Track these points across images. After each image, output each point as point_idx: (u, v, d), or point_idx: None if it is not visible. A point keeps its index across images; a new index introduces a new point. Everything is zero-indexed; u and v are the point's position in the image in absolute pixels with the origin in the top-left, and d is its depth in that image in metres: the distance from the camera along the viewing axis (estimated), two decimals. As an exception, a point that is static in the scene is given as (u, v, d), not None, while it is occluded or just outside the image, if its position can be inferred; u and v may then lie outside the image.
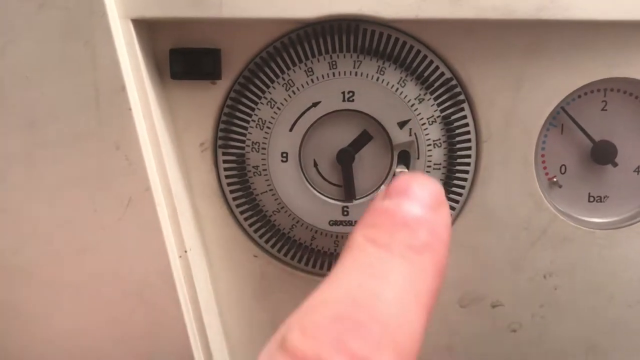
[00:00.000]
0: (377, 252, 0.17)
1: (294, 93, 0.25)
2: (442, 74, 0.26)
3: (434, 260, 0.18)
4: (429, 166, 0.26)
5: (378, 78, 0.25)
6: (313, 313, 0.16)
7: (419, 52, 0.25)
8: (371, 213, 0.19)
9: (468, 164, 0.26)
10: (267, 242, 0.28)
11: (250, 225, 0.27)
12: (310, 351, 0.15)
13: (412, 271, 0.17)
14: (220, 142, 0.26)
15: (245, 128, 0.26)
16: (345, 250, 0.18)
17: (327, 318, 0.15)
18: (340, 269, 0.17)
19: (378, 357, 0.15)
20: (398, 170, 0.26)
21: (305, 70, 0.25)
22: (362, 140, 0.26)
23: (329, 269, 0.27)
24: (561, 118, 0.27)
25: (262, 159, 0.26)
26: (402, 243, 0.17)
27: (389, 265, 0.17)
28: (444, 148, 0.26)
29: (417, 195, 0.19)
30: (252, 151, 0.26)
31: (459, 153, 0.26)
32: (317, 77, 0.25)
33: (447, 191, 0.26)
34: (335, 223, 0.27)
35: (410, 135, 0.26)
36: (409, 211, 0.18)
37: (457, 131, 0.26)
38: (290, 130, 0.26)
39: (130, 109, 0.23)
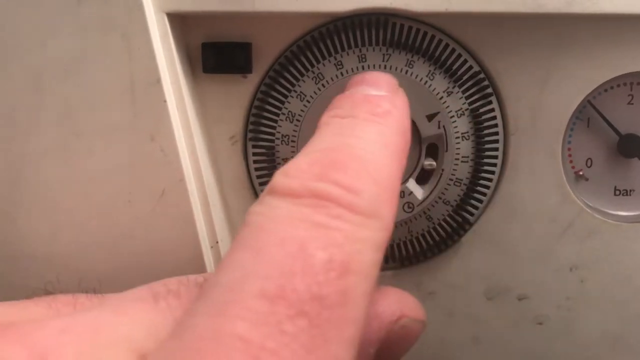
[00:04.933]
0: (343, 121, 0.19)
1: (324, 86, 0.26)
2: (471, 67, 0.26)
3: (397, 122, 0.19)
4: (457, 159, 0.26)
5: (407, 71, 0.25)
6: (293, 162, 0.17)
7: (447, 45, 0.26)
8: (333, 102, 0.20)
9: (496, 157, 0.27)
10: (295, 234, 0.28)
11: (279, 217, 0.28)
12: (295, 185, 0.16)
13: (377, 128, 0.18)
14: (250, 135, 0.27)
15: (275, 121, 0.26)
16: (314, 133, 0.19)
17: (307, 163, 0.17)
18: (311, 140, 0.18)
19: (359, 185, 0.16)
20: (427, 163, 0.26)
21: (334, 64, 0.26)
22: (391, 133, 0.26)
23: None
24: (587, 111, 0.27)
25: (292, 152, 0.26)
26: (365, 111, 0.19)
27: (355, 127, 0.18)
28: (472, 141, 0.26)
29: (374, 81, 0.21)
30: (282, 144, 0.26)
31: (486, 146, 0.26)
32: (347, 71, 0.26)
33: (475, 184, 0.27)
34: (363, 215, 0.27)
35: (438, 128, 0.26)
36: (369, 91, 0.20)
37: (485, 124, 0.26)
38: (320, 123, 0.26)
39: (165, 101, 0.23)
